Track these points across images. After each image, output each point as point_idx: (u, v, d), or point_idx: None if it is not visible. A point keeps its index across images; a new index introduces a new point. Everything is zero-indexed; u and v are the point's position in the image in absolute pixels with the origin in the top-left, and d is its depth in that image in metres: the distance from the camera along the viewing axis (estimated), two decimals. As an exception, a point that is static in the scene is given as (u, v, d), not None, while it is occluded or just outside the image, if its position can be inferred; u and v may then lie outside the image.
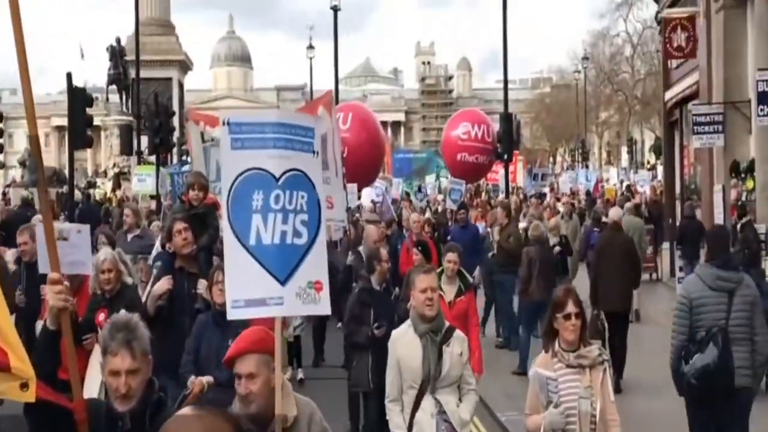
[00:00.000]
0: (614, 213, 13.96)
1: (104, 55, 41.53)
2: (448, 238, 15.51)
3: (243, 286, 5.16)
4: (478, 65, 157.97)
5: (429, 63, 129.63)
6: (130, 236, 12.27)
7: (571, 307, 5.33)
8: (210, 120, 11.64)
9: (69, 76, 17.06)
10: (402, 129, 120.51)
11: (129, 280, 7.76)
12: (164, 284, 7.39)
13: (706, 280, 7.12)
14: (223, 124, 5.30)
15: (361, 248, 12.63)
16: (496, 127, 27.07)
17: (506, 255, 14.17)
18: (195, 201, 9.62)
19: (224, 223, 5.24)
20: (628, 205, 20.46)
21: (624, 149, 72.73)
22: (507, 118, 24.36)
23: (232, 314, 5.11)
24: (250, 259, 5.13)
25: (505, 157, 24.41)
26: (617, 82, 70.22)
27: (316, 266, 5.28)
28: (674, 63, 21.50)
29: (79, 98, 17.18)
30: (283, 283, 5.14)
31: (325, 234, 5.53)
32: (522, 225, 16.17)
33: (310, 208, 5.31)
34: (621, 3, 61.50)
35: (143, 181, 20.70)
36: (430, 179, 35.91)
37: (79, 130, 17.49)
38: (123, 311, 5.39)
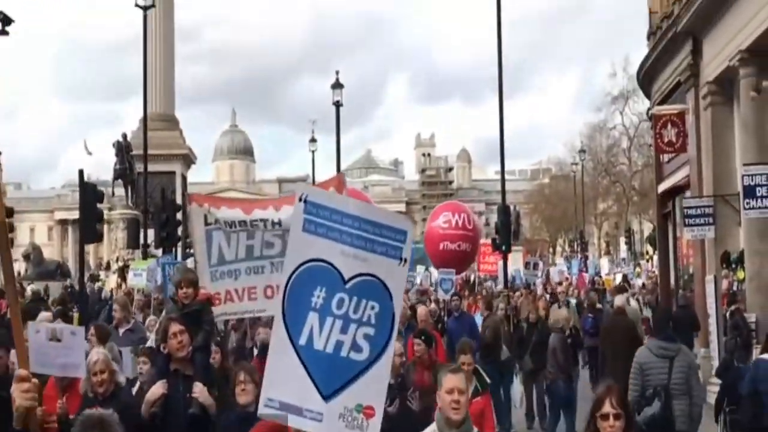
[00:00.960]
0: (619, 299, 15.23)
1: (102, 148, 42.21)
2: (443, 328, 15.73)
3: (282, 386, 4.66)
4: (478, 156, 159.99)
5: (429, 155, 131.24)
6: (121, 331, 12.14)
7: (608, 407, 5.06)
8: (213, 201, 11.23)
9: (81, 173, 17.65)
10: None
11: (122, 380, 7.64)
12: (158, 389, 7.08)
13: (652, 350, 9.34)
14: (300, 200, 4.78)
15: None
16: (493, 217, 27.53)
17: (486, 345, 14.95)
18: (186, 299, 9.19)
19: (276, 311, 4.72)
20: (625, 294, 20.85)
21: (622, 240, 73.19)
22: (505, 210, 24.90)
23: (262, 411, 4.70)
24: (295, 360, 4.65)
25: (504, 248, 24.80)
26: (615, 173, 71.25)
27: (372, 389, 4.73)
28: (666, 157, 22.14)
29: (90, 194, 17.73)
30: (326, 398, 4.63)
31: (392, 355, 4.92)
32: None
33: (381, 322, 4.74)
34: (617, 97, 63.01)
35: (139, 276, 21.08)
36: (420, 269, 36.12)
37: (90, 225, 18.01)
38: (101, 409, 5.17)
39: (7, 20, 16.29)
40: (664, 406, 8.96)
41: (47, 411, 5.63)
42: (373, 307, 4.68)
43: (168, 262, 19.24)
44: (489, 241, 29.91)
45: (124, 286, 33.28)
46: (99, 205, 18.77)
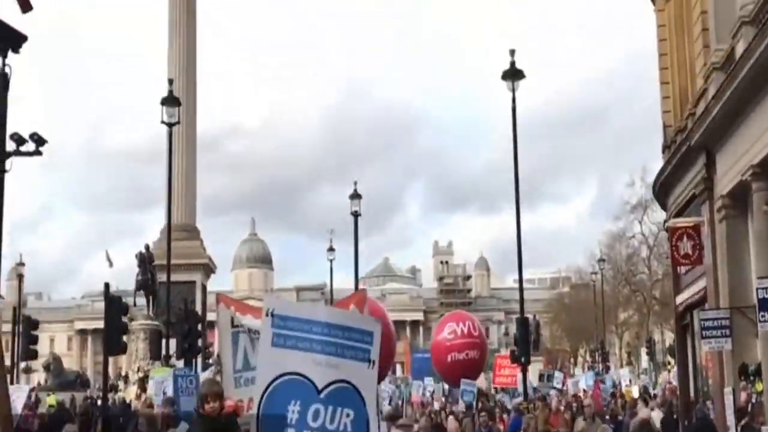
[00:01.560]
0: (644, 412, 15.08)
1: (121, 257, 42.80)
2: None
3: None
4: (497, 264, 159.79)
5: (447, 262, 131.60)
6: None
7: None
8: (240, 307, 11.27)
9: (107, 286, 18.08)
10: (421, 328, 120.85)
11: None
12: None
13: None
14: (267, 314, 4.81)
15: None
16: (512, 327, 27.51)
17: None
18: (213, 413, 9.29)
19: (252, 427, 4.77)
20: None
21: (643, 350, 72.45)
22: (523, 322, 24.99)
23: None
24: None
25: (522, 360, 24.78)
26: (635, 282, 70.98)
27: None
28: (683, 269, 22.29)
29: (115, 306, 18.07)
30: None
31: None
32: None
33: (356, 429, 4.75)
34: (635, 206, 63.23)
35: (159, 384, 20.87)
36: (429, 381, 35.82)
37: (115, 337, 18.27)
38: None
39: (41, 141, 16.82)
40: None
41: None
42: (348, 415, 4.66)
43: (181, 374, 19.01)
44: (506, 352, 29.85)
45: (143, 397, 33.29)
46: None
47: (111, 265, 66.07)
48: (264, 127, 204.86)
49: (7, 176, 15.02)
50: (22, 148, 16.55)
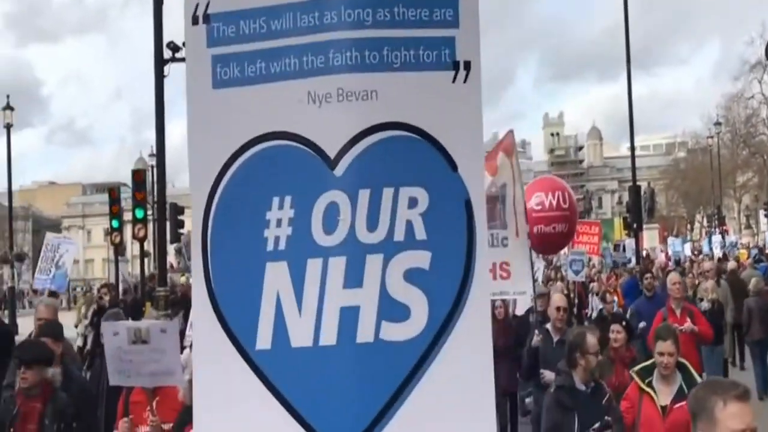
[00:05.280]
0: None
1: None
2: (629, 313, 12.59)
3: None
4: (610, 134, 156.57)
5: (558, 134, 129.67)
6: None
7: None
8: None
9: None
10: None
11: None
12: None
13: None
14: (196, 22, 2.46)
15: (549, 325, 9.18)
16: (626, 196, 27.33)
17: None
18: None
19: (196, 288, 2.56)
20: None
21: (762, 212, 70.85)
22: (636, 191, 25.07)
23: None
24: (256, 386, 2.47)
25: (635, 226, 24.96)
26: (754, 144, 68.89)
27: (436, 404, 2.39)
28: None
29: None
30: None
31: (487, 315, 2.44)
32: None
33: (442, 236, 2.38)
34: (755, 65, 60.83)
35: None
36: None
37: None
38: None
39: (176, 48, 19.37)
40: None
41: (135, 422, 5.42)
42: (414, 202, 2.32)
43: None
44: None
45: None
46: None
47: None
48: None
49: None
50: (177, 55, 19.24)
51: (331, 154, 2.43)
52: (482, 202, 2.51)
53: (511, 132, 10.25)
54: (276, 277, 2.45)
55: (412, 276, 2.42)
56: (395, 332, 2.40)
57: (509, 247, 9.25)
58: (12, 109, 37.60)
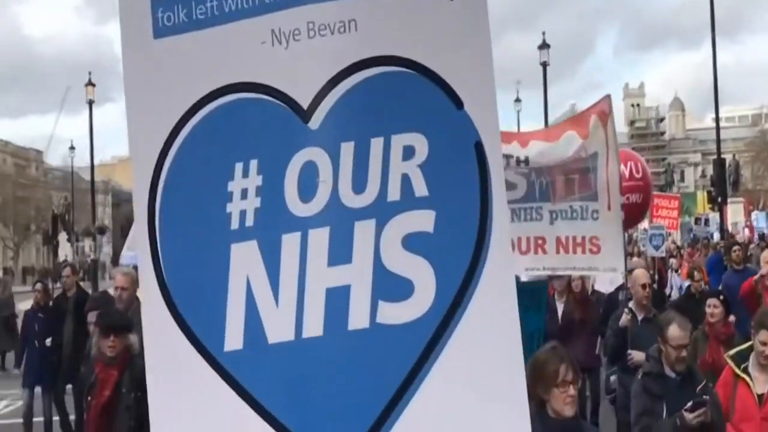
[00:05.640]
0: None
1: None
2: (719, 287, 12.24)
3: None
4: (694, 105, 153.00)
5: (638, 105, 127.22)
6: None
7: None
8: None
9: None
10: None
11: None
12: None
13: None
14: None
15: (632, 303, 8.60)
16: (710, 169, 26.62)
17: None
18: None
19: (144, 283, 2.18)
20: None
21: None
22: (720, 163, 24.46)
23: None
24: (221, 388, 2.08)
25: (719, 200, 24.34)
26: None
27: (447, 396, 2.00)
28: None
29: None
30: None
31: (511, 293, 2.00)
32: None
33: (444, 192, 2.01)
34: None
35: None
36: None
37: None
38: None
39: None
40: None
41: None
42: (411, 152, 1.97)
43: None
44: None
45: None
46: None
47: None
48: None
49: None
50: None
51: (304, 103, 2.02)
52: (497, 144, 2.02)
53: (608, 96, 9.30)
54: (244, 260, 2.02)
55: (412, 242, 1.97)
56: (396, 313, 1.96)
57: (599, 221, 8.59)
58: (93, 85, 38.28)
